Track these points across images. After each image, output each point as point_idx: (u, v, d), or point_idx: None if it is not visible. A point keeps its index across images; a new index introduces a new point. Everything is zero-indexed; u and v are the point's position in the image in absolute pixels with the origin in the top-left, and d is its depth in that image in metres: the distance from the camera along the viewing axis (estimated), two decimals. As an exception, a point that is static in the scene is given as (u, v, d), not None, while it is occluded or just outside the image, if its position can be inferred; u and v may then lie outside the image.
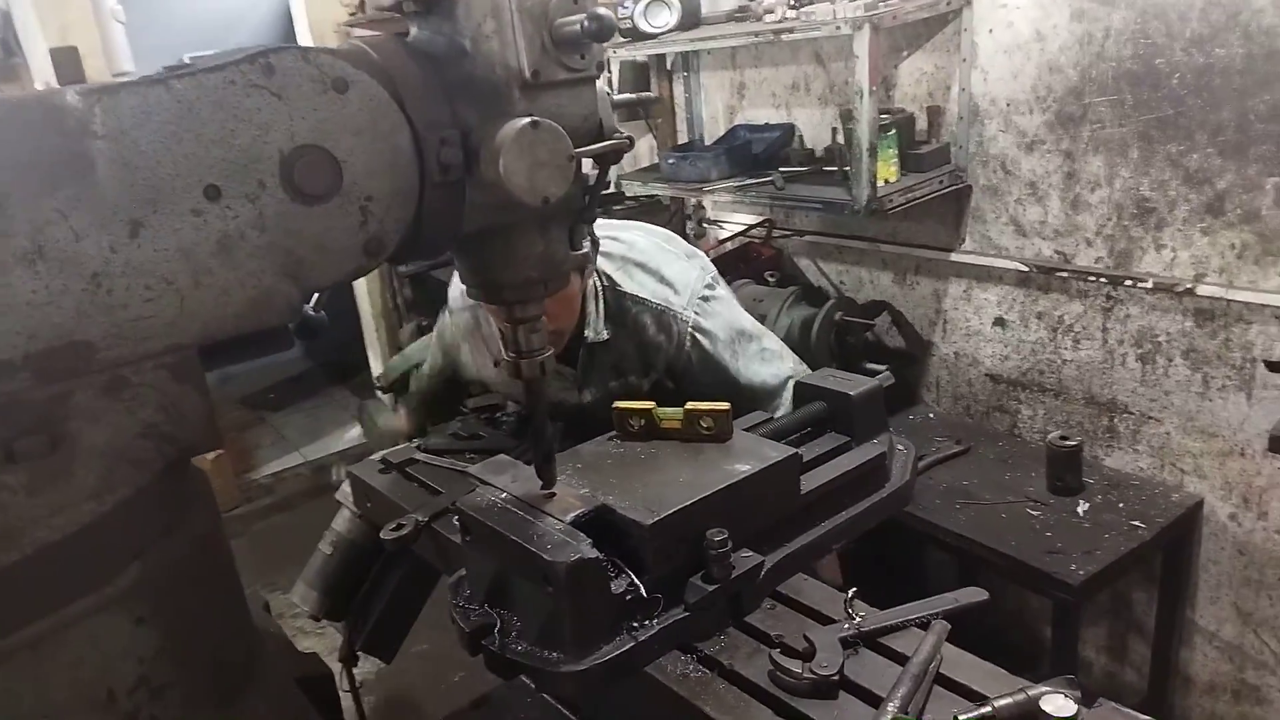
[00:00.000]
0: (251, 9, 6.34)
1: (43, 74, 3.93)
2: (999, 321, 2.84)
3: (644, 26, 2.88)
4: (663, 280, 1.95)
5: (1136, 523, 2.27)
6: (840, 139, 2.76)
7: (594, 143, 0.94)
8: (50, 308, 0.70)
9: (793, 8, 2.61)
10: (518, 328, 1.05)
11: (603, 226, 2.08)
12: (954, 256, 2.87)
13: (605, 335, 1.95)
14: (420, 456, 1.88)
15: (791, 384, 1.89)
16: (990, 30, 2.55)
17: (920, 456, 2.68)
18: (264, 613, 1.02)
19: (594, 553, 1.05)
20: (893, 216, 2.73)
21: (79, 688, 0.67)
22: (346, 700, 2.01)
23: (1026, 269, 2.67)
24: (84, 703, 0.68)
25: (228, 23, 6.24)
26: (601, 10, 0.87)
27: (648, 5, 2.87)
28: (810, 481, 1.28)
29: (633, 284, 1.95)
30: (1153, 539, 2.23)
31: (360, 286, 5.10)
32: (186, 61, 0.79)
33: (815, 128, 3.11)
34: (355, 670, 1.92)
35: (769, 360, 1.96)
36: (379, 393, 4.23)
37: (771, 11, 2.63)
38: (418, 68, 0.87)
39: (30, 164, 0.69)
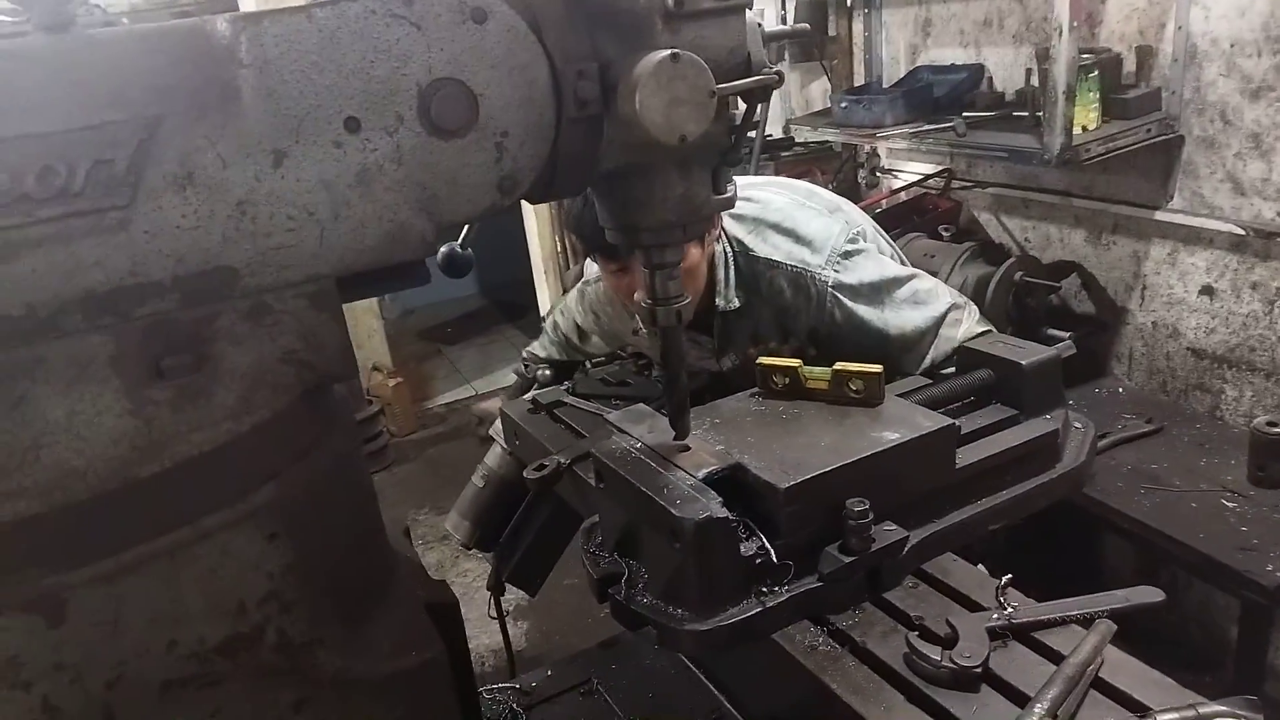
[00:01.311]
0: None
1: None
2: (1207, 290, 2.55)
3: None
4: (799, 240, 1.84)
5: (1352, 524, 2.01)
6: (1034, 81, 2.53)
7: (740, 78, 0.88)
8: (198, 232, 0.73)
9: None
10: (655, 273, 1.02)
11: (738, 186, 2.01)
12: (1159, 215, 2.59)
13: (737, 303, 1.88)
14: (568, 400, 1.90)
15: (950, 319, 1.75)
16: (1221, -42, 2.25)
17: (1103, 434, 2.48)
18: (402, 538, 1.05)
19: (724, 511, 1.01)
20: (1089, 168, 2.49)
21: (211, 596, 0.71)
22: (493, 626, 2.11)
23: (1243, 232, 2.38)
24: (215, 611, 0.72)
25: None
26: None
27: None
28: (968, 455, 1.19)
29: (766, 247, 1.85)
30: (1370, 544, 1.96)
31: (531, 229, 5.22)
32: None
33: (1007, 69, 2.87)
34: (504, 599, 2.00)
35: (923, 303, 1.79)
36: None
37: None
38: (558, -3, 0.84)
39: (179, 90, 0.71)
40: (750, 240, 1.86)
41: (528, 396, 1.95)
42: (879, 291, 1.79)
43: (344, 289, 0.80)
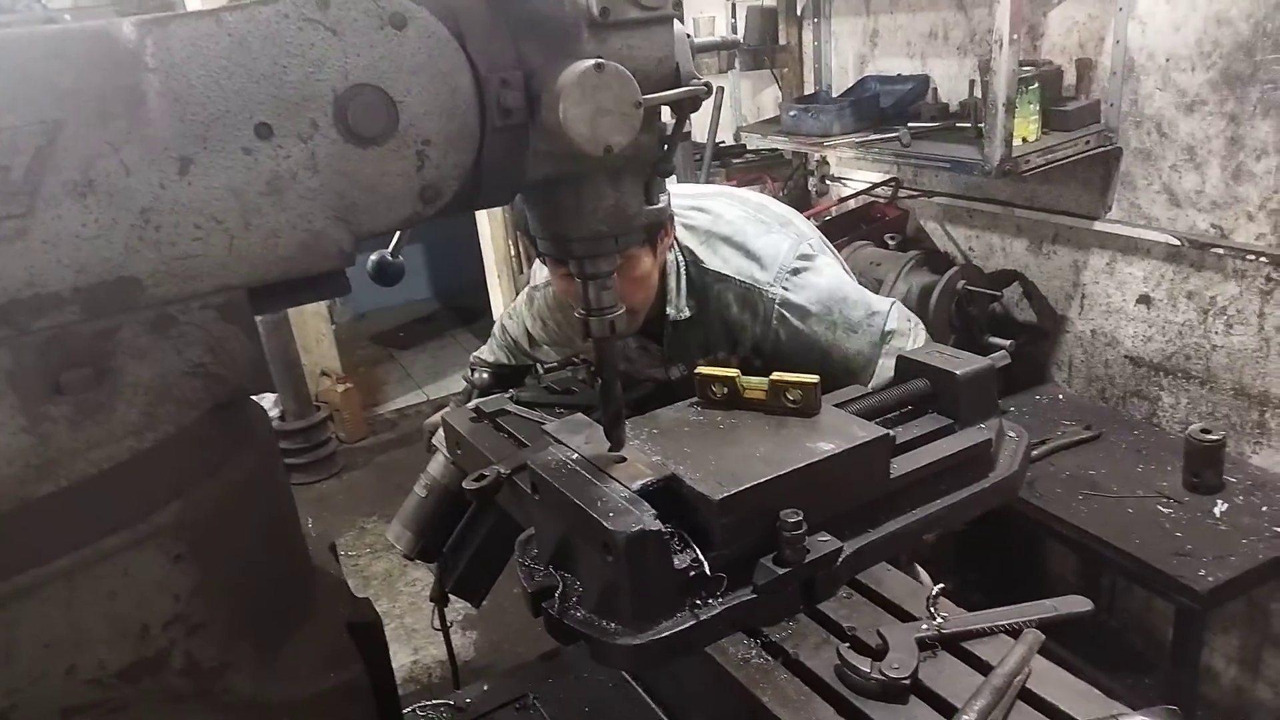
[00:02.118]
0: None
1: None
2: (1144, 299, 2.61)
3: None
4: (749, 255, 1.84)
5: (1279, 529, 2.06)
6: (978, 92, 2.57)
7: (668, 89, 0.87)
8: (99, 241, 0.70)
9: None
10: (588, 284, 1.01)
11: (690, 196, 1.99)
12: (1098, 225, 2.64)
13: (687, 313, 1.87)
14: (512, 408, 1.88)
15: (892, 347, 1.75)
16: (1155, -25, 2.30)
17: (1043, 440, 2.51)
18: (327, 554, 1.03)
19: (656, 524, 1.00)
20: (1030, 179, 2.53)
21: (112, 620, 0.68)
22: (437, 638, 2.07)
23: (1179, 243, 2.43)
24: (117, 635, 0.69)
25: None
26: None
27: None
28: (903, 465, 1.20)
29: (716, 259, 1.84)
30: (1298, 548, 2.02)
31: (485, 233, 5.18)
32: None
33: (952, 80, 2.91)
34: (453, 609, 1.97)
35: (868, 328, 1.80)
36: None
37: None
38: (482, 3, 0.83)
39: (82, 94, 0.69)
40: (701, 252, 1.86)
41: (471, 405, 1.92)
42: (827, 312, 1.80)
43: (257, 300, 0.78)
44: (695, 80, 0.89)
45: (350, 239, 0.80)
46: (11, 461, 0.65)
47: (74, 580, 0.66)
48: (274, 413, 4.50)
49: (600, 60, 0.81)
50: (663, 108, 0.91)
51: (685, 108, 0.90)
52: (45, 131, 0.68)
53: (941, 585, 1.18)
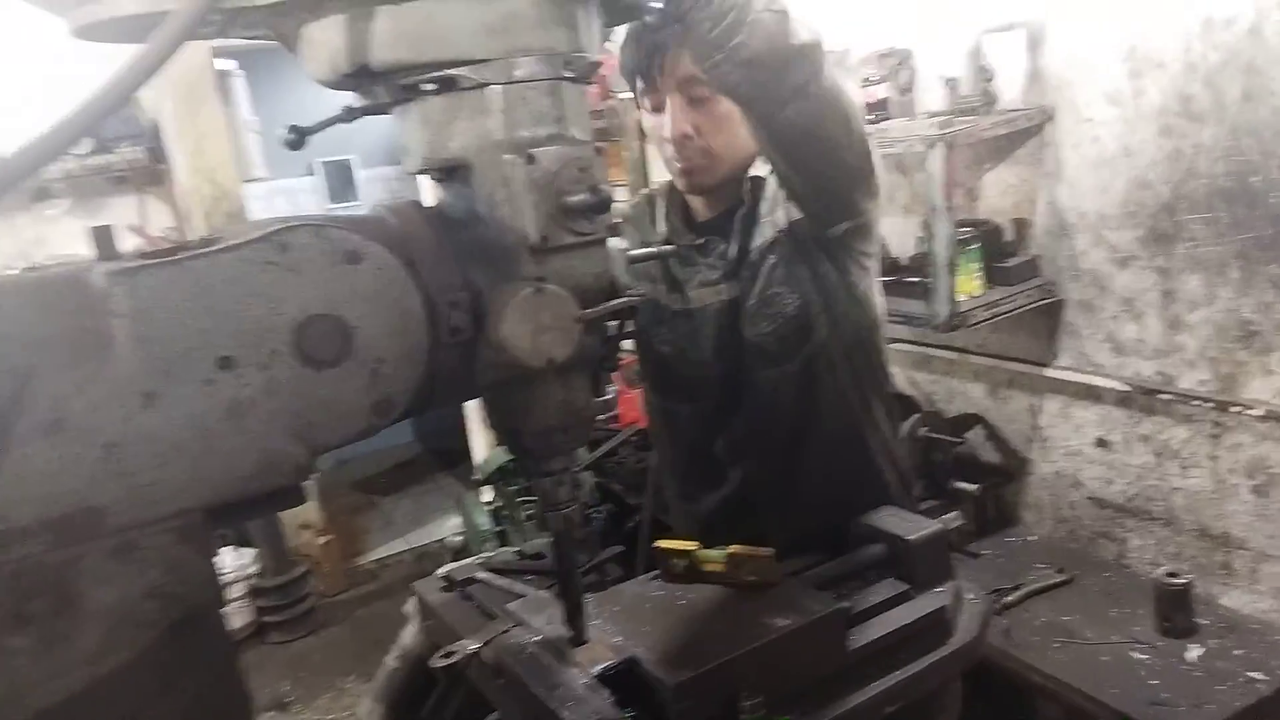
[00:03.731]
0: (376, 119, 6.84)
1: (182, 180, 4.33)
2: (1101, 442, 2.68)
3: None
4: None
5: (1255, 674, 2.05)
6: (925, 248, 2.71)
7: (606, 300, 0.95)
8: (65, 476, 0.74)
9: (871, 122, 2.62)
10: (544, 480, 1.05)
11: None
12: (1048, 372, 2.74)
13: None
14: (481, 575, 1.88)
15: None
16: (1075, 145, 2.48)
17: (1015, 586, 2.52)
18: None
19: (615, 713, 1.02)
20: (982, 327, 2.64)
21: None
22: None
23: (1127, 389, 2.53)
24: None
25: (354, 130, 6.72)
26: (604, 186, 0.88)
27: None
28: (860, 636, 1.22)
29: None
30: (1274, 694, 2.01)
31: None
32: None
33: (901, 236, 3.06)
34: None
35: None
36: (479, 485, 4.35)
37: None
38: (432, 233, 0.91)
39: (54, 340, 0.74)
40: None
41: (441, 572, 1.92)
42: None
43: (216, 518, 0.82)
44: (630, 291, 0.97)
45: (307, 454, 0.85)
46: (-33, 700, 0.67)
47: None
48: (253, 569, 4.43)
49: (540, 282, 0.88)
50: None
51: (623, 315, 0.97)
52: (18, 377, 0.73)
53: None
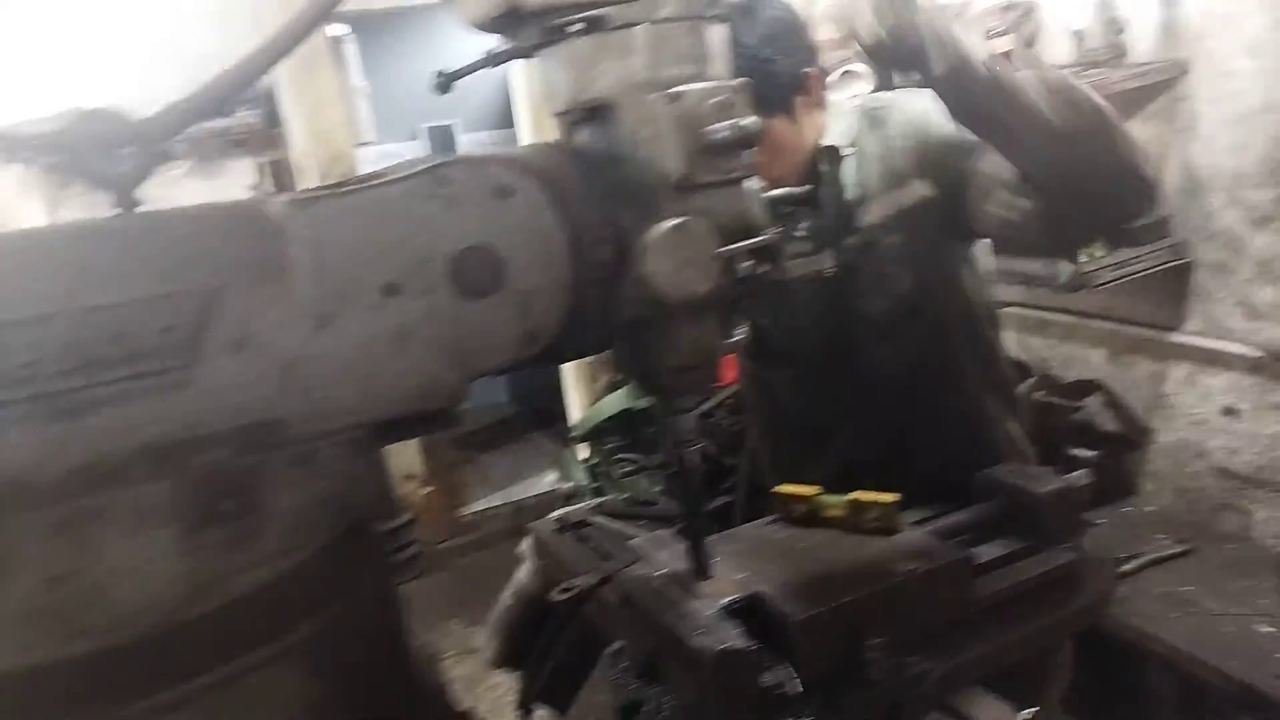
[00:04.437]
0: (476, 87, 6.99)
1: (297, 143, 4.50)
2: (1229, 411, 2.57)
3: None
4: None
5: (1393, 651, 1.96)
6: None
7: (745, 239, 0.97)
8: (249, 389, 0.80)
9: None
10: (672, 418, 1.08)
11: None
12: (1175, 337, 2.64)
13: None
14: (594, 519, 1.95)
15: None
16: (1212, 100, 2.36)
17: (1134, 555, 2.46)
18: (430, 665, 1.09)
19: (743, 642, 1.04)
20: (1104, 290, 2.55)
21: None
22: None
23: (1260, 355, 2.41)
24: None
25: (455, 97, 6.88)
26: (747, 120, 0.90)
27: (840, 76, 2.88)
28: (985, 587, 1.22)
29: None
30: None
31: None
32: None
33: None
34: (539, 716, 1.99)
35: None
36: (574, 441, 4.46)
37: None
38: (578, 172, 0.94)
39: (239, 263, 0.80)
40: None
41: (554, 515, 2.00)
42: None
43: (381, 435, 0.87)
44: (767, 230, 0.98)
45: (461, 380, 0.90)
46: (173, 584, 0.74)
47: (221, 693, 0.74)
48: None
49: (681, 219, 0.91)
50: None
51: (760, 255, 0.99)
52: (207, 296, 0.79)
53: (1035, 709, 1.18)
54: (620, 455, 4.02)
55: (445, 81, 1.04)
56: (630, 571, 1.22)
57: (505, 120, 6.09)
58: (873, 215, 1.57)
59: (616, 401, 4.16)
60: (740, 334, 1.08)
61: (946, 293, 1.58)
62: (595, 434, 4.16)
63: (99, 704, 0.70)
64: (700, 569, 1.16)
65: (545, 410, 6.56)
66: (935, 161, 1.53)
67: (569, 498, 4.66)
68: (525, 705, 1.99)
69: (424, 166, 0.88)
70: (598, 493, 4.19)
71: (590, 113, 0.97)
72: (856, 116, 1.64)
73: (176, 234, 0.81)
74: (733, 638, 1.04)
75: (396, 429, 0.88)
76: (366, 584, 0.86)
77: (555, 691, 1.99)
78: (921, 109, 1.54)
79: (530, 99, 5.11)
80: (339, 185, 0.86)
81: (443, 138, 7.16)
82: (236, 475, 0.79)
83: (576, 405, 5.40)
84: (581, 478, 4.32)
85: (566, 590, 1.62)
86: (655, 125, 0.92)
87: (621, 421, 4.09)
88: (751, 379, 1.83)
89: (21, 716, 0.69)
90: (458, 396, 0.90)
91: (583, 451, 4.44)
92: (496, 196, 0.90)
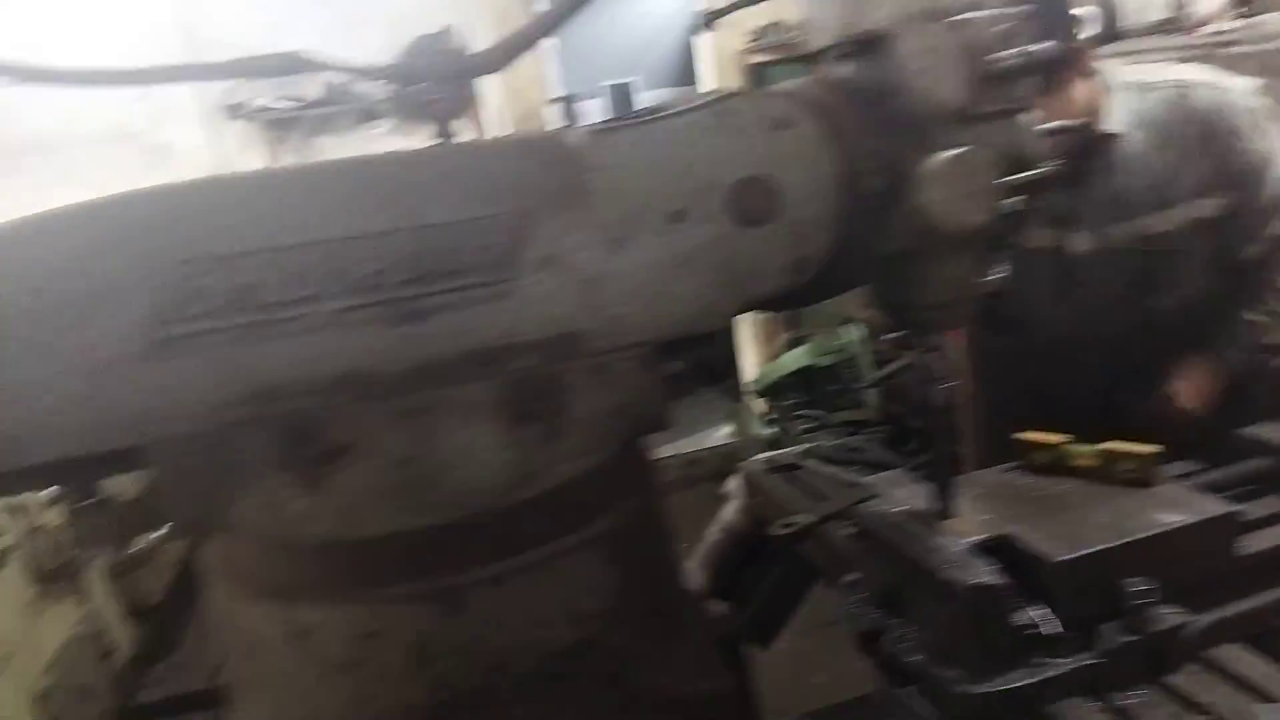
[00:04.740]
0: (657, 40, 7.11)
1: (492, 99, 4.71)
2: None
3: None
4: None
5: None
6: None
7: (1020, 173, 0.96)
8: (554, 304, 0.88)
9: (1242, 16, 2.34)
10: (927, 354, 1.09)
11: None
12: None
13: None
14: (804, 463, 1.98)
15: None
16: None
17: None
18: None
19: (998, 578, 1.04)
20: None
21: (562, 606, 0.84)
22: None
23: None
24: (560, 621, 0.85)
25: (636, 53, 7.01)
26: (1039, 46, 0.89)
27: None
28: (1249, 545, 1.16)
29: None
30: None
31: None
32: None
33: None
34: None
35: None
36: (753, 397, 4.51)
37: (1207, 23, 2.39)
38: (852, 104, 0.96)
39: (545, 187, 0.88)
40: None
41: (763, 457, 2.04)
42: None
43: (661, 354, 0.94)
44: (1044, 163, 0.97)
45: (734, 306, 0.95)
46: (498, 471, 0.84)
47: (535, 573, 0.83)
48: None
49: (961, 149, 0.91)
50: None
51: (1033, 189, 0.98)
52: (520, 218, 0.88)
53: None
54: (799, 412, 4.03)
55: (711, 19, 1.09)
56: (868, 508, 1.24)
57: (686, 78, 6.15)
58: (1158, 221, 1.54)
59: (797, 358, 4.17)
60: (999, 274, 1.08)
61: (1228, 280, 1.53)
62: (774, 390, 4.19)
63: (441, 570, 0.80)
64: (944, 509, 1.17)
65: (715, 366, 6.60)
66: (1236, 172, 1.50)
67: (743, 451, 4.71)
68: (734, 638, 2.06)
69: (707, 100, 0.92)
70: (773, 447, 4.22)
71: (862, 45, 0.99)
72: (1150, 99, 1.61)
73: (492, 162, 0.90)
74: (986, 573, 1.05)
75: (673, 349, 0.94)
76: (650, 490, 0.93)
77: (759, 628, 2.05)
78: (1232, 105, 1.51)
79: (716, 55, 5.11)
80: (632, 117, 0.92)
81: (622, 95, 7.30)
82: (545, 381, 0.88)
83: (751, 361, 5.42)
84: (759, 431, 4.36)
85: (789, 525, 1.66)
86: (936, 55, 0.92)
87: (802, 378, 4.10)
88: (978, 346, 1.82)
89: (379, 575, 0.80)
90: (729, 320, 0.95)
91: (759, 406, 4.47)
92: (775, 128, 0.93)
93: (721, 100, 0.93)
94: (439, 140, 0.93)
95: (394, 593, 0.80)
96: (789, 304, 0.98)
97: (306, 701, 0.81)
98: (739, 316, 0.95)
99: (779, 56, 4.45)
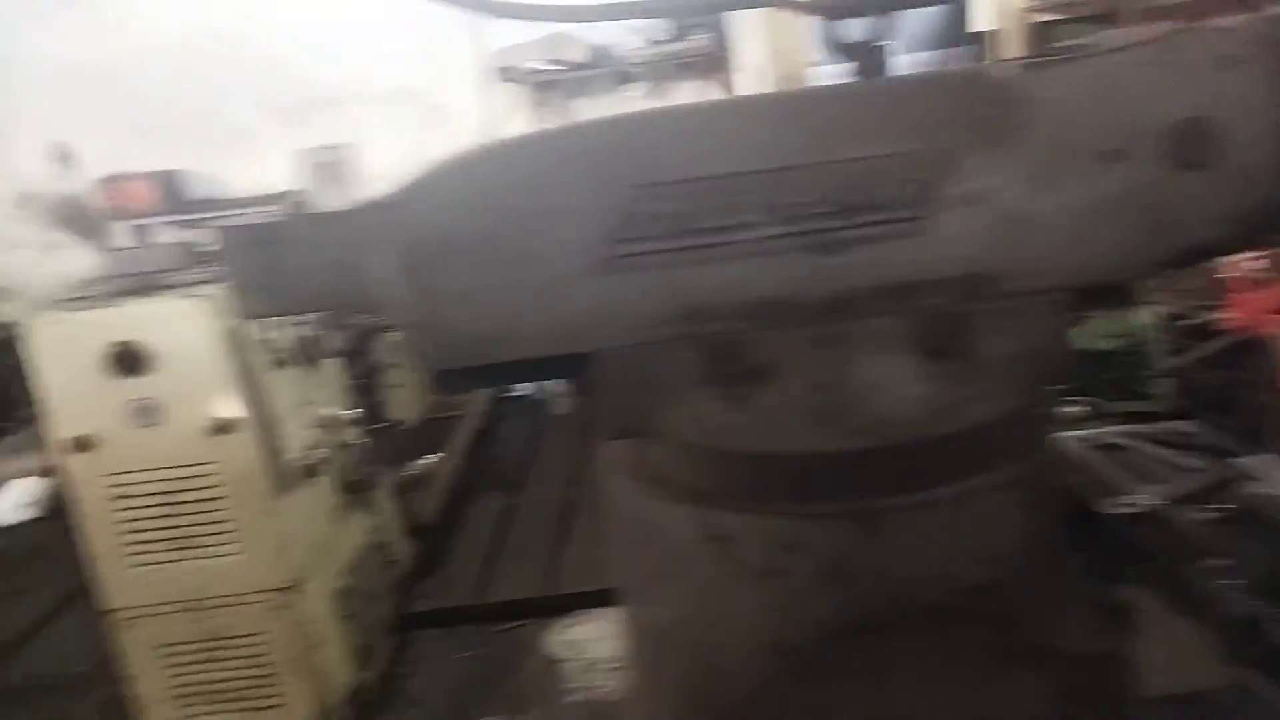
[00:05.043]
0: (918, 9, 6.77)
1: (749, 64, 4.70)
2: None
3: None
4: None
5: None
6: None
7: None
8: (971, 241, 0.87)
9: None
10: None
11: None
12: None
13: None
14: (1121, 442, 1.87)
15: None
16: None
17: None
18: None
19: None
20: None
21: (968, 545, 0.84)
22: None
23: None
24: (968, 559, 0.85)
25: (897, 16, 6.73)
26: None
27: None
28: None
29: None
30: None
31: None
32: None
33: None
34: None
35: None
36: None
37: None
38: (1309, 42, 0.87)
39: (971, 126, 0.86)
40: None
41: (1079, 434, 1.95)
42: None
43: (1076, 302, 0.90)
44: None
45: (1162, 255, 0.89)
46: (914, 404, 0.84)
47: (953, 507, 0.83)
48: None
49: None
50: None
51: None
52: (941, 154, 0.87)
53: None
54: (1066, 398, 3.79)
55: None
56: (1249, 489, 1.15)
57: (951, 40, 5.85)
58: None
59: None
60: None
61: None
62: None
63: (861, 492, 0.82)
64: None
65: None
66: None
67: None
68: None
69: (1150, 35, 0.87)
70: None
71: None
72: None
73: (917, 97, 0.89)
74: None
75: (1089, 298, 0.91)
76: (1051, 443, 0.91)
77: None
78: None
79: (998, 13, 4.81)
80: (1067, 51, 0.88)
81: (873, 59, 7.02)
82: (957, 319, 0.87)
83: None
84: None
85: (1128, 505, 1.58)
86: None
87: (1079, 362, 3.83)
88: None
89: (802, 491, 0.83)
90: (1155, 271, 0.90)
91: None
92: (1222, 67, 0.87)
93: (1169, 35, 0.87)
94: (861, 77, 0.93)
95: (815, 509, 0.82)
96: (1225, 255, 0.91)
97: (723, 602, 0.86)
98: (1168, 268, 0.90)
99: (1068, 16, 4.15)
